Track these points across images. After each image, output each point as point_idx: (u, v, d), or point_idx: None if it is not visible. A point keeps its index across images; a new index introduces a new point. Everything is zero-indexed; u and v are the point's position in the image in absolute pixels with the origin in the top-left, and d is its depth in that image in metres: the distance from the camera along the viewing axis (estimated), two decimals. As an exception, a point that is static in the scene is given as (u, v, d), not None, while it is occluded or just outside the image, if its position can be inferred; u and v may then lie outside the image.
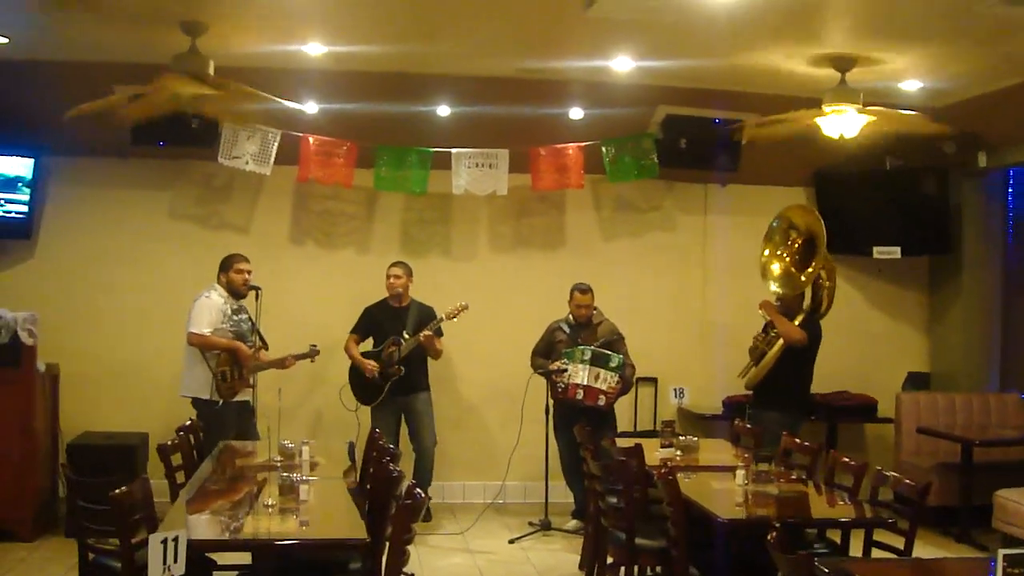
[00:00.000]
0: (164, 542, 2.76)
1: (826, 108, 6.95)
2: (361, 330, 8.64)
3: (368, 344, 8.64)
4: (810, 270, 7.73)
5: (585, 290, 8.31)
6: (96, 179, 9.08)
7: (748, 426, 7.39)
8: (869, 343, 9.88)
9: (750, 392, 8.07)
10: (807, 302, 7.93)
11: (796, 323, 7.71)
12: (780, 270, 7.95)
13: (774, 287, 7.93)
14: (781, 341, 7.70)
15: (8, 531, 7.60)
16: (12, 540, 7.56)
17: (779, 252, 7.98)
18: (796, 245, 7.92)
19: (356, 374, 8.55)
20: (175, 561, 2.79)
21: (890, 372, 9.80)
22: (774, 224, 8.09)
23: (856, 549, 5.64)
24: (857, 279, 9.90)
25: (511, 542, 8.05)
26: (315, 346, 8.13)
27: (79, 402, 8.74)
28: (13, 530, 7.62)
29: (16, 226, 8.76)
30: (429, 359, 8.61)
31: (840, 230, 9.25)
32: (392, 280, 8.50)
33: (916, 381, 9.79)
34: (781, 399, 7.74)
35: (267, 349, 8.01)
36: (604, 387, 8.00)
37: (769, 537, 4.11)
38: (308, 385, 8.98)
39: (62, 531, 7.72)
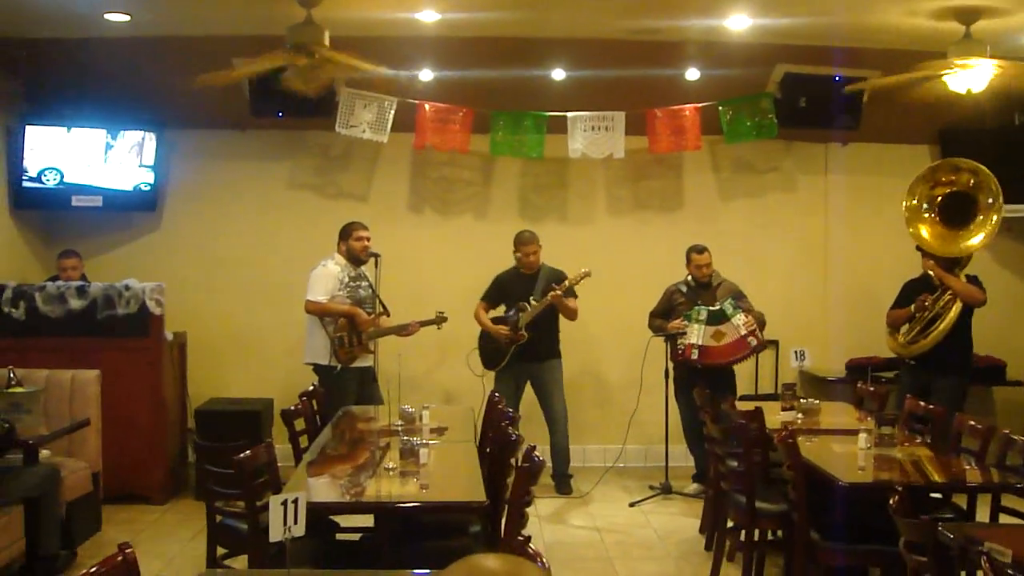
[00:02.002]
0: (284, 504, 2.82)
1: (952, 62, 6.75)
2: (491, 297, 8.61)
3: (500, 310, 8.64)
4: (985, 221, 7.44)
5: (702, 250, 8.24)
6: (216, 151, 9.30)
7: (871, 388, 7.24)
8: (997, 304, 9.50)
9: (873, 356, 7.89)
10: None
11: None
12: (935, 230, 7.65)
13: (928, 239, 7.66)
14: (959, 304, 7.49)
15: (141, 495, 7.87)
16: (145, 503, 7.83)
17: (932, 210, 7.68)
18: (939, 199, 7.65)
19: (485, 339, 8.57)
20: (295, 522, 2.85)
21: (1020, 334, 9.50)
22: (927, 179, 7.76)
23: (983, 515, 5.51)
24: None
25: (631, 505, 8.05)
26: (442, 313, 8.16)
27: (206, 369, 9.00)
28: (145, 494, 7.89)
29: (142, 199, 9.00)
30: (560, 327, 8.56)
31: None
32: (530, 258, 8.42)
33: (1047, 342, 9.49)
34: (960, 363, 7.59)
35: (388, 315, 8.09)
36: (743, 331, 7.92)
37: (891, 501, 4.05)
38: (434, 351, 9.07)
39: (191, 494, 7.98)
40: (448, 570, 1.68)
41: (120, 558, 3.27)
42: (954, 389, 7.17)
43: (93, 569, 3.15)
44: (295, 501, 2.82)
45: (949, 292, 7.52)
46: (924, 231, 7.66)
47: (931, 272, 7.68)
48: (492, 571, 1.67)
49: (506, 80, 8.41)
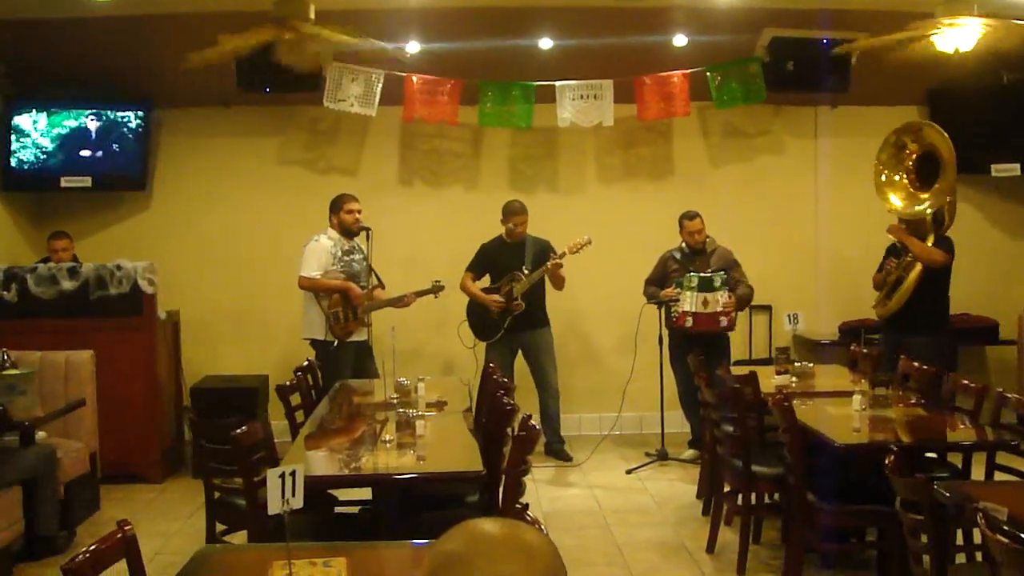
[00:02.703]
0: (282, 477, 2.82)
1: (939, 22, 6.74)
2: (477, 267, 8.58)
3: (485, 281, 8.62)
4: (938, 187, 7.47)
5: (693, 216, 8.24)
6: (205, 128, 9.26)
7: (864, 351, 7.27)
8: (989, 264, 9.61)
9: (868, 318, 7.92)
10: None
11: (929, 244, 7.52)
12: (901, 190, 7.71)
13: (897, 202, 7.69)
14: (919, 265, 7.51)
15: (138, 474, 7.88)
16: (142, 482, 7.84)
17: (897, 172, 7.72)
18: (910, 162, 7.69)
19: (474, 310, 8.56)
20: (293, 495, 2.86)
21: (1012, 293, 9.50)
22: (890, 140, 7.81)
23: (978, 473, 5.54)
24: (975, 198, 9.60)
25: (628, 472, 8.08)
26: (438, 281, 8.14)
27: (201, 347, 9.01)
28: (142, 473, 7.90)
29: (131, 178, 8.98)
30: (547, 295, 8.57)
31: (957, 148, 9.01)
32: (519, 228, 8.41)
33: (1040, 301, 9.51)
34: (929, 322, 7.58)
35: (383, 288, 8.08)
36: (720, 308, 7.92)
37: (887, 461, 4.07)
38: (425, 323, 9.06)
39: (188, 472, 7.99)
40: (447, 535, 1.69)
41: (119, 535, 3.28)
42: (926, 348, 7.17)
43: (93, 547, 3.17)
44: (293, 474, 2.83)
45: (910, 254, 7.56)
46: (893, 195, 7.70)
47: (892, 235, 7.72)
48: (491, 534, 1.67)
49: (493, 50, 8.38)
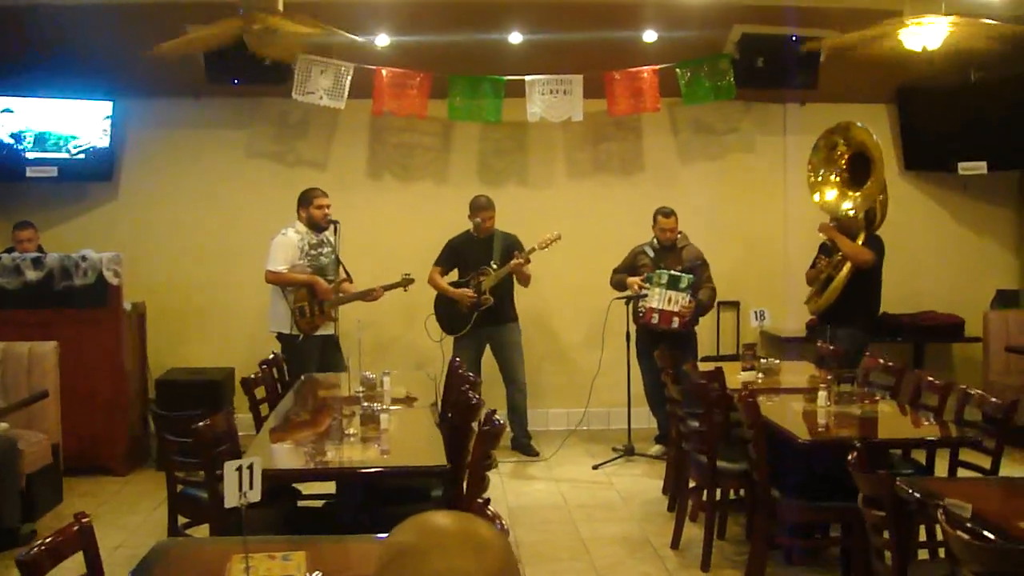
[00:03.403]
0: (239, 470, 2.80)
1: (907, 20, 6.75)
2: (445, 262, 8.55)
3: (453, 276, 8.59)
4: (869, 186, 7.53)
5: (668, 214, 8.23)
6: (173, 120, 9.19)
7: (831, 347, 7.31)
8: (956, 261, 9.68)
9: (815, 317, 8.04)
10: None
11: (859, 243, 7.59)
12: (832, 189, 7.78)
13: (831, 197, 7.77)
14: (848, 264, 7.59)
15: (102, 466, 7.82)
16: (106, 475, 7.79)
17: (829, 171, 7.79)
18: (843, 161, 7.74)
19: (442, 304, 8.53)
20: (251, 488, 2.83)
21: (978, 290, 9.56)
22: (820, 142, 7.91)
23: (942, 470, 5.57)
24: (942, 196, 9.67)
25: (595, 468, 8.08)
26: (408, 275, 8.09)
27: (167, 339, 8.95)
28: (107, 465, 7.84)
29: (98, 169, 8.90)
30: (516, 290, 8.56)
31: (924, 146, 9.09)
32: (487, 223, 8.39)
33: (1005, 299, 9.54)
34: (854, 316, 7.71)
35: (351, 282, 8.04)
36: (677, 308, 7.94)
37: (849, 457, 4.08)
38: (400, 317, 9.04)
39: (154, 465, 7.93)
40: (400, 527, 1.69)
41: (76, 527, 3.26)
42: (849, 339, 7.33)
43: (48, 539, 3.14)
44: (250, 467, 2.80)
45: (840, 252, 7.63)
46: (826, 191, 7.77)
47: (823, 233, 7.82)
48: (443, 527, 1.68)
49: (463, 44, 8.36)
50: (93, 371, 7.79)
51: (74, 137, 8.75)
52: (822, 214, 8.07)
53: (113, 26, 8.00)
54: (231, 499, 2.80)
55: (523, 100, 8.72)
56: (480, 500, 3.37)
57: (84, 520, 3.29)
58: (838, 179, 7.77)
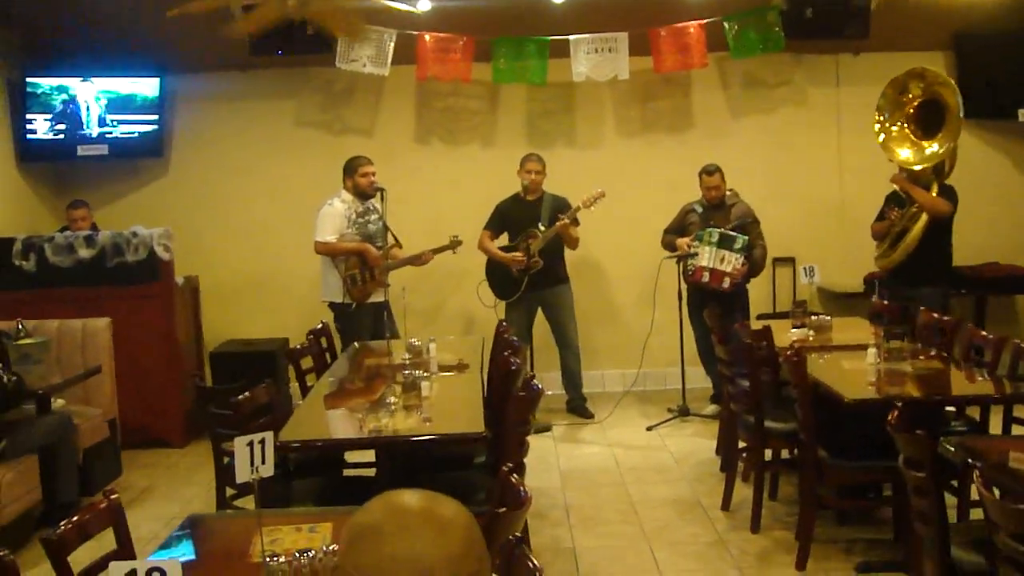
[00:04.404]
0: (251, 444, 2.80)
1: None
2: (495, 226, 8.50)
3: (503, 239, 8.54)
4: (943, 135, 7.31)
5: (712, 171, 8.10)
6: (220, 94, 9.24)
7: (886, 303, 7.16)
8: (1018, 211, 9.43)
9: (879, 270, 7.83)
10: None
11: (934, 193, 7.38)
12: (905, 141, 7.55)
13: (905, 154, 7.55)
14: (924, 216, 7.38)
15: (160, 439, 7.95)
16: (165, 447, 7.91)
17: (899, 122, 7.56)
18: (911, 110, 7.52)
19: (493, 269, 8.49)
20: (263, 463, 2.83)
21: (1042, 240, 9.33)
22: (886, 93, 7.64)
23: (996, 427, 5.46)
24: (1003, 144, 9.41)
25: (648, 429, 8.03)
26: (456, 236, 8.05)
27: (221, 312, 9.06)
28: (165, 438, 7.96)
29: (148, 145, 8.97)
30: (566, 251, 8.51)
31: (983, 93, 8.84)
32: (534, 176, 8.31)
33: (1070, 247, 9.32)
34: (933, 273, 7.47)
35: (400, 247, 8.02)
36: (729, 269, 7.84)
37: (890, 416, 3.99)
38: (449, 281, 9.04)
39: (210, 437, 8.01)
40: (366, 505, 1.70)
41: (104, 504, 3.29)
42: (929, 299, 7.06)
43: (76, 517, 3.17)
44: (262, 442, 2.80)
45: (915, 204, 7.42)
46: (897, 145, 7.54)
47: (895, 185, 7.57)
48: (406, 507, 1.67)
49: (505, 6, 8.30)
50: (147, 345, 7.90)
51: (124, 114, 8.80)
52: (877, 166, 7.91)
53: (158, 1, 8.01)
54: (243, 474, 2.80)
55: (568, 60, 8.63)
56: (507, 467, 3.33)
57: (113, 497, 3.32)
58: (907, 129, 7.53)
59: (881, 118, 7.61)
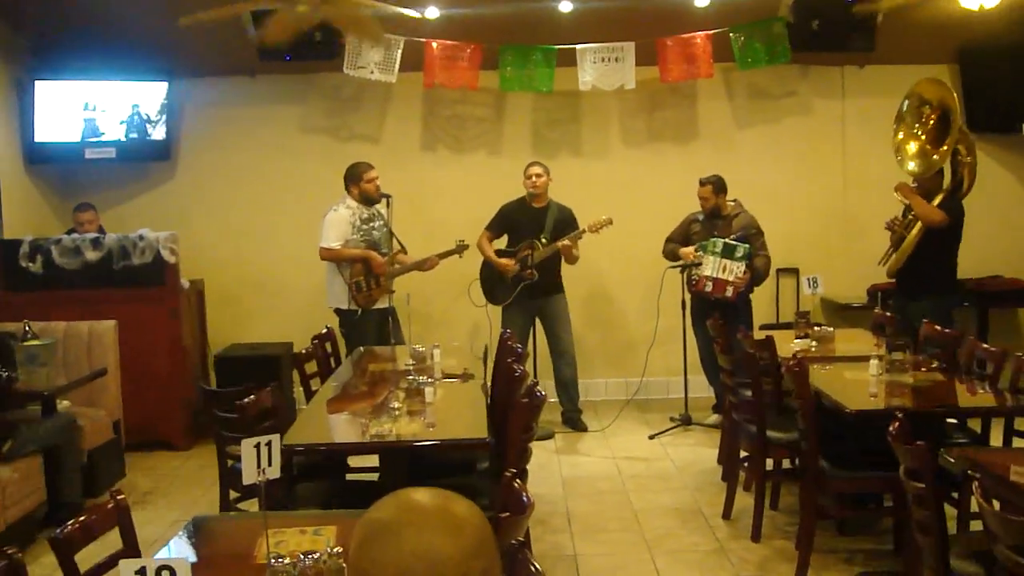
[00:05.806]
0: (257, 447, 2.82)
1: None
2: (496, 228, 8.49)
3: (502, 242, 8.54)
4: (944, 148, 7.35)
5: (703, 183, 8.10)
6: (227, 98, 9.29)
7: (888, 314, 7.17)
8: (1021, 224, 9.45)
9: (893, 280, 7.82)
10: (947, 181, 7.57)
11: (935, 204, 7.40)
12: (915, 149, 7.59)
13: (912, 166, 7.59)
14: (920, 224, 7.42)
15: (164, 441, 7.98)
16: (169, 449, 7.95)
17: (913, 131, 7.60)
18: (930, 122, 7.54)
19: (488, 271, 8.46)
20: (269, 465, 2.86)
21: (1046, 255, 9.35)
22: (905, 103, 7.71)
23: (997, 439, 5.47)
24: (1006, 158, 9.42)
25: (651, 438, 8.05)
26: (462, 241, 8.06)
27: (226, 316, 9.10)
28: (169, 440, 8.00)
29: (155, 149, 9.02)
30: (563, 262, 8.48)
31: (987, 107, 8.87)
32: (534, 179, 8.30)
33: (1072, 262, 9.33)
34: (929, 286, 7.48)
35: (406, 253, 8.05)
36: (731, 278, 7.85)
37: (891, 428, 4.01)
38: (446, 289, 9.04)
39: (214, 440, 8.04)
40: (379, 503, 1.72)
41: (111, 504, 3.31)
42: (932, 311, 7.05)
43: (83, 517, 3.20)
44: (268, 444, 2.83)
45: (912, 212, 7.47)
46: (909, 157, 7.59)
47: (898, 193, 7.60)
48: (421, 505, 1.70)
49: (513, 14, 8.31)
50: (152, 348, 7.94)
51: (131, 117, 8.84)
52: (882, 178, 7.94)
53: (167, 5, 8.05)
54: (249, 476, 2.83)
55: (575, 69, 8.67)
56: (510, 473, 3.36)
57: (119, 498, 3.35)
58: (924, 137, 7.56)
59: (903, 127, 7.66)
